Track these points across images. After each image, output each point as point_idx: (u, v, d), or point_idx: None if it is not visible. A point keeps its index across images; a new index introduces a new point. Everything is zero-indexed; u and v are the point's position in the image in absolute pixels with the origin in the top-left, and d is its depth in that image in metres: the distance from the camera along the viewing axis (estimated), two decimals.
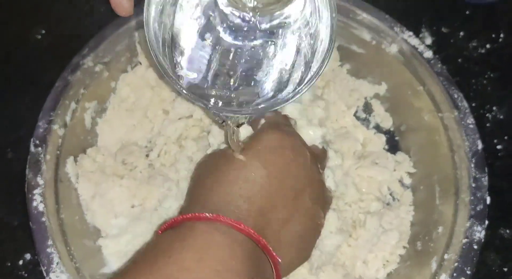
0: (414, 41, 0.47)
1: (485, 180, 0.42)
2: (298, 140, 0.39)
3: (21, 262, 0.45)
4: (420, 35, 0.55)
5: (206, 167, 0.39)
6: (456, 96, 0.45)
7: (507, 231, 0.46)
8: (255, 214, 0.33)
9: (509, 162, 0.49)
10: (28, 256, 0.45)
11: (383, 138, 0.50)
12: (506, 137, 0.51)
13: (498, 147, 0.50)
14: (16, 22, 0.56)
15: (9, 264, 0.45)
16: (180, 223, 0.32)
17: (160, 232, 0.33)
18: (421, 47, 0.47)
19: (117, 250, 0.44)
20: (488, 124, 0.51)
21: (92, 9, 0.56)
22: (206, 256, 0.30)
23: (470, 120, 0.44)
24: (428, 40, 0.55)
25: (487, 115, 0.52)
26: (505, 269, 0.45)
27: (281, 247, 0.34)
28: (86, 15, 0.55)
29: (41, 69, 0.51)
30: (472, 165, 0.42)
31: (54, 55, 0.52)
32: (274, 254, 0.32)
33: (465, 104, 0.45)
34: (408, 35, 0.48)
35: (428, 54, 0.47)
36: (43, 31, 0.55)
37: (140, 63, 0.50)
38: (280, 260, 0.33)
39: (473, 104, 0.52)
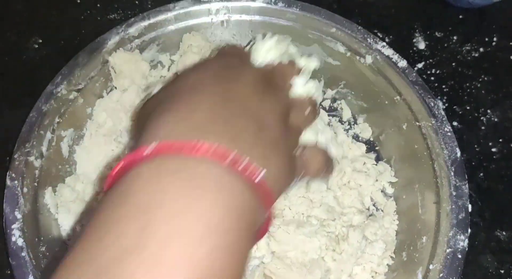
0: (388, 51, 0.48)
1: (465, 188, 0.42)
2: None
3: None
4: (414, 40, 0.56)
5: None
6: (432, 104, 0.45)
7: (503, 233, 0.46)
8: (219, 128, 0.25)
9: (504, 165, 0.49)
10: None
11: (363, 147, 0.50)
12: (500, 140, 0.51)
13: (493, 149, 0.50)
14: (12, 32, 0.55)
15: (8, 272, 0.44)
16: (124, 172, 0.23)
17: (104, 190, 0.25)
18: (395, 57, 0.47)
19: None
20: (482, 127, 0.51)
21: (88, 17, 0.56)
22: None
23: (448, 128, 0.44)
24: (422, 45, 0.56)
25: (481, 118, 0.52)
26: (502, 271, 0.45)
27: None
28: (82, 24, 0.55)
29: (38, 79, 0.50)
30: (452, 173, 0.42)
31: (51, 65, 0.51)
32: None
33: (442, 112, 0.45)
34: (382, 46, 0.48)
35: (403, 63, 0.47)
36: (40, 41, 0.55)
37: (115, 88, 0.50)
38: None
39: (467, 108, 0.52)
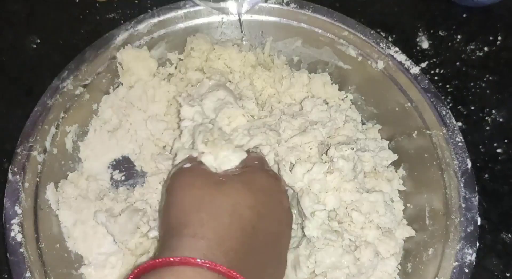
0: (401, 57, 0.47)
1: (475, 200, 0.41)
2: (284, 185, 0.40)
3: None
4: (417, 39, 0.55)
5: (183, 184, 0.37)
6: (444, 113, 0.44)
7: (509, 235, 0.45)
8: (236, 255, 0.32)
9: (509, 166, 0.48)
10: None
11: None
12: (506, 141, 0.50)
13: (498, 150, 0.49)
14: (11, 31, 0.55)
15: (6, 276, 0.44)
16: (150, 270, 0.30)
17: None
18: (407, 63, 0.46)
19: (100, 278, 0.43)
20: (487, 128, 0.50)
21: (87, 17, 0.55)
22: None
23: (459, 138, 0.43)
24: (425, 44, 0.54)
25: (486, 118, 0.51)
26: (508, 274, 0.44)
27: None
28: (81, 23, 0.55)
29: (37, 78, 0.51)
30: (462, 185, 0.41)
31: (49, 64, 0.51)
32: None
33: (454, 121, 0.44)
34: (394, 51, 0.47)
35: (415, 70, 0.46)
36: (38, 40, 0.54)
37: (122, 84, 0.50)
38: None
39: (472, 108, 0.51)
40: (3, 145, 0.48)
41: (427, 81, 0.45)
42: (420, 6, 0.58)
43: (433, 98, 0.45)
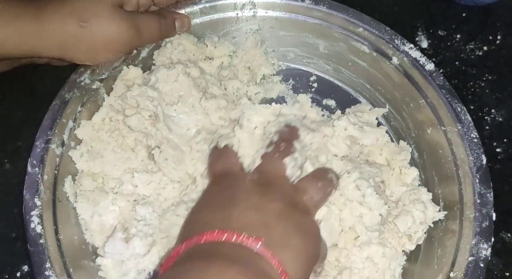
0: (415, 53, 0.47)
1: (490, 196, 0.41)
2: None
3: (18, 274, 0.45)
4: (416, 38, 0.55)
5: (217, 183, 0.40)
6: (459, 109, 0.44)
7: (509, 235, 0.46)
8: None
9: (509, 165, 0.49)
10: (25, 268, 0.45)
11: None
12: (505, 140, 0.50)
13: (498, 150, 0.50)
14: None
15: (7, 276, 0.45)
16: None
17: (161, 270, 0.32)
18: (422, 60, 0.47)
19: (117, 269, 0.43)
20: (487, 127, 0.51)
21: None
22: None
23: (474, 134, 0.43)
24: (424, 43, 0.55)
25: (485, 118, 0.51)
26: (507, 274, 0.44)
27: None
28: None
29: (38, 79, 0.51)
30: (477, 180, 0.42)
31: (51, 66, 0.51)
32: None
33: (468, 117, 0.44)
34: (409, 48, 0.47)
35: (430, 66, 0.46)
36: None
37: None
38: None
39: (471, 107, 0.51)
40: (4, 145, 0.49)
41: (442, 78, 0.46)
42: (420, 6, 0.58)
43: (448, 95, 0.45)
